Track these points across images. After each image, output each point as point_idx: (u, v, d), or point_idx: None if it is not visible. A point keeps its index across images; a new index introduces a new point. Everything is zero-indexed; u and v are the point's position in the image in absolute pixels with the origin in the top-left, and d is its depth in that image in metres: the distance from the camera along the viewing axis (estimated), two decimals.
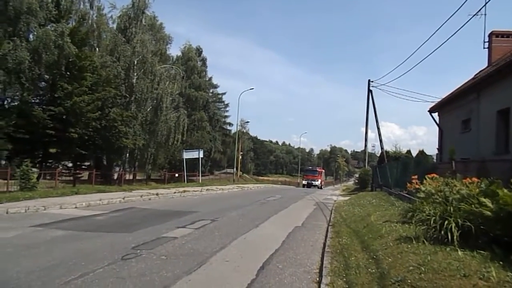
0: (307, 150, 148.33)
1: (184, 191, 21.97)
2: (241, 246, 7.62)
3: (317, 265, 6.29)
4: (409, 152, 26.08)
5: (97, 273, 5.24)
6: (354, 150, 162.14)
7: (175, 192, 20.84)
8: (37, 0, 16.79)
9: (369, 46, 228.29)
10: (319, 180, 52.81)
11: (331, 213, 14.08)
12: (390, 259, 5.28)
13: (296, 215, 13.49)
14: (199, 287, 4.91)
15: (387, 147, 30.68)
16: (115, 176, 28.60)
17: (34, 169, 19.48)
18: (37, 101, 21.99)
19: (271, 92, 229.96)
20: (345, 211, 13.86)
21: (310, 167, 66.64)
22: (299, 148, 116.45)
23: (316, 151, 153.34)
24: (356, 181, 43.97)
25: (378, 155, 36.58)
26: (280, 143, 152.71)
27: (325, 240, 8.32)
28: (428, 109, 20.45)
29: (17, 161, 19.76)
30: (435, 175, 9.07)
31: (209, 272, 5.64)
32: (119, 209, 13.07)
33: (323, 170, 64.51)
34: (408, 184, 11.32)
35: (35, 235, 7.92)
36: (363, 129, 32.23)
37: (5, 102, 19.85)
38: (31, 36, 17.68)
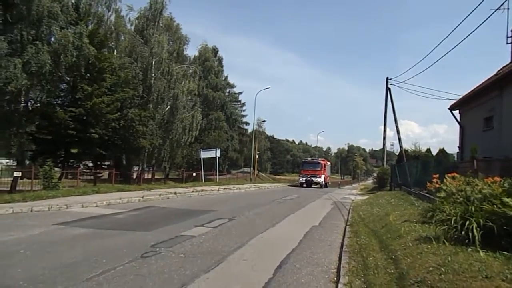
0: (324, 149, 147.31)
1: (202, 190, 22.17)
2: (259, 245, 7.65)
3: (335, 264, 6.26)
4: (429, 150, 25.59)
5: (118, 270, 5.36)
6: (372, 149, 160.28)
7: (193, 191, 21.05)
8: (58, 3, 17.24)
9: (389, 44, 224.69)
10: (322, 176, 39.37)
11: (348, 213, 13.97)
12: (409, 260, 5.21)
13: (314, 215, 13.43)
14: (217, 285, 4.96)
15: (406, 146, 30.26)
16: (134, 175, 29.13)
17: (57, 169, 20.04)
18: (59, 102, 22.60)
19: (288, 92, 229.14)
20: (363, 210, 13.72)
21: (309, 159, 49.67)
22: (316, 147, 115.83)
23: (334, 150, 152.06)
24: (375, 180, 43.45)
25: (397, 153, 36.01)
26: (297, 142, 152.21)
27: (343, 239, 8.26)
28: (449, 107, 19.99)
29: (40, 161, 20.33)
30: (456, 174, 8.90)
31: (226, 270, 5.69)
32: (138, 207, 13.30)
33: (328, 163, 48.40)
34: (428, 183, 11.13)
35: (58, 233, 8.15)
36: (382, 128, 31.83)
37: (29, 104, 20.44)
38: (52, 39, 18.12)
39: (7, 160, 32.40)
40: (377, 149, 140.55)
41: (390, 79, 28.96)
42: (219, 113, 48.31)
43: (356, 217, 11.94)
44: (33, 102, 20.87)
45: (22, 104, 18.85)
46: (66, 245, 7.00)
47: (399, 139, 29.37)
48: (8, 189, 18.18)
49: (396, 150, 46.38)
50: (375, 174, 48.98)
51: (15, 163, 24.23)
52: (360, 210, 14.06)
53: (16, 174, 18.83)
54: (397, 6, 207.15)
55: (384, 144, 32.15)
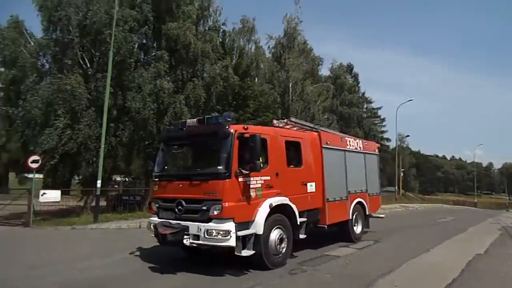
0: (484, 165, 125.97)
1: None
2: (410, 272, 7.00)
3: None
4: None
5: (269, 284, 5.65)
6: None
7: None
8: (209, 44, 20.05)
9: None
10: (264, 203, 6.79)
11: None
12: None
13: (476, 241, 11.57)
14: None
15: None
16: None
17: None
18: None
19: (434, 103, 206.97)
20: None
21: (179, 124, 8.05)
22: (473, 162, 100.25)
23: (497, 166, 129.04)
24: None
25: None
26: (448, 158, 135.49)
27: None
28: None
29: None
30: None
31: None
32: None
33: (353, 141, 10.90)
34: None
35: None
36: None
37: None
38: (204, 74, 21.08)
39: None
40: None
41: None
42: (356, 129, 46.97)
43: None
44: None
45: None
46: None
47: None
48: None
49: None
50: None
51: None
52: None
53: None
54: None
55: None
